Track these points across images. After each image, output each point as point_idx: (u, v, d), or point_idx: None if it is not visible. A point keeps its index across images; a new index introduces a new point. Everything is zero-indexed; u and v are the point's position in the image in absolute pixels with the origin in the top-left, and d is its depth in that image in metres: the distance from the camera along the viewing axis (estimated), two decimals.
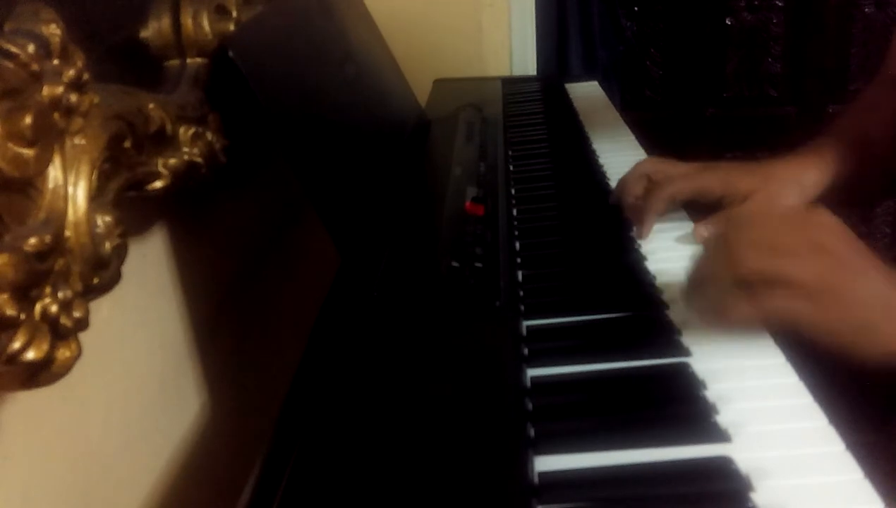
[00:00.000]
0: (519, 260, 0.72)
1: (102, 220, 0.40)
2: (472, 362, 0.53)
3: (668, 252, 0.73)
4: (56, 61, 0.38)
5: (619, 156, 1.01)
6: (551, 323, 0.61)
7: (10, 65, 0.35)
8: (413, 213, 0.77)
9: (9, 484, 0.41)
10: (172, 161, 0.51)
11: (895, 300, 0.52)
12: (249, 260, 0.75)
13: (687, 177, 0.80)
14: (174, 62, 0.58)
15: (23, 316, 0.34)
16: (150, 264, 0.57)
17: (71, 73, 0.39)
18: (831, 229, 0.55)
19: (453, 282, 0.61)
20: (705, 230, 0.75)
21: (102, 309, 0.42)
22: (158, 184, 0.49)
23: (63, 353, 0.37)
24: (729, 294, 0.54)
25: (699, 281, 0.58)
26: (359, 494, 0.42)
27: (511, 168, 0.96)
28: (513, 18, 1.45)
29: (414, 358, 0.54)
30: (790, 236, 0.55)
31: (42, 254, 0.35)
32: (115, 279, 0.42)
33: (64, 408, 0.45)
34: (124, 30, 0.55)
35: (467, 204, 0.75)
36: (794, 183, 0.80)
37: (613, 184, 0.89)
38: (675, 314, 0.60)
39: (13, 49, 0.35)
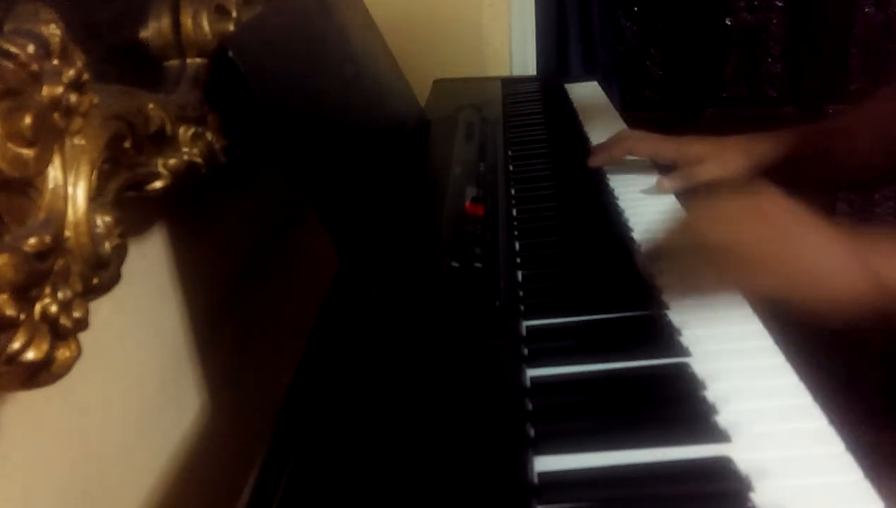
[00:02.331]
0: (519, 260, 0.72)
1: (102, 220, 0.40)
2: (471, 362, 0.53)
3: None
4: (56, 61, 0.38)
5: None
6: (551, 324, 0.61)
7: (10, 65, 0.35)
8: (413, 213, 0.77)
9: (9, 484, 0.41)
10: (172, 161, 0.51)
11: (835, 259, 0.58)
12: (249, 261, 0.75)
13: (648, 139, 0.93)
14: (174, 62, 0.58)
15: (23, 317, 0.34)
16: (150, 264, 0.57)
17: (71, 73, 0.38)
18: (774, 201, 0.60)
19: (453, 282, 0.61)
20: (667, 182, 0.87)
21: (102, 309, 0.42)
22: (158, 184, 0.49)
23: (63, 353, 0.37)
24: (699, 263, 0.62)
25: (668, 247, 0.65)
26: (358, 494, 0.42)
27: (511, 168, 0.96)
28: (513, 18, 1.45)
29: (413, 358, 0.54)
30: (737, 211, 0.61)
31: (42, 254, 0.35)
32: (115, 279, 0.42)
33: (64, 408, 0.45)
34: (124, 30, 0.55)
35: (467, 204, 0.75)
36: (743, 151, 0.87)
37: (613, 183, 0.89)
38: (675, 314, 0.60)
39: (13, 49, 0.35)
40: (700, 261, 0.62)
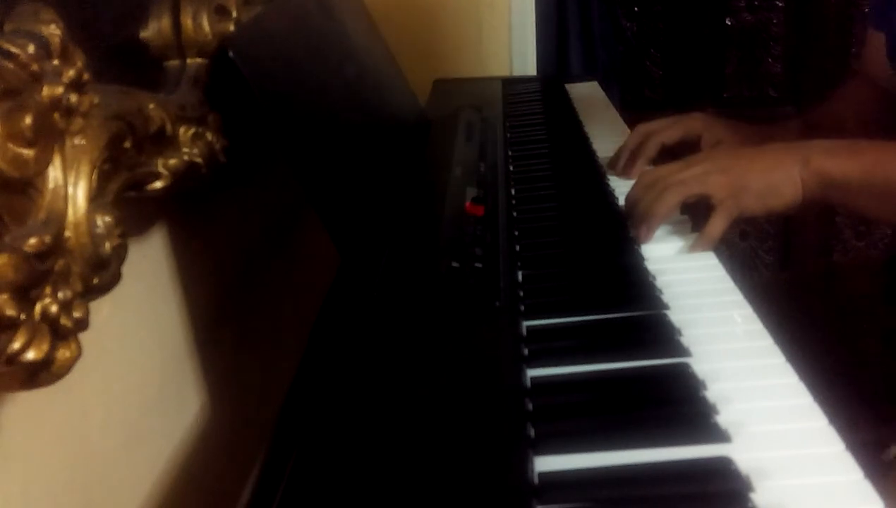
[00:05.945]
0: (519, 260, 0.72)
1: (102, 220, 0.40)
2: (471, 362, 0.53)
3: (668, 252, 0.73)
4: (56, 61, 0.38)
5: None
6: (551, 324, 0.61)
7: (10, 65, 0.35)
8: (413, 213, 0.77)
9: (9, 484, 0.41)
10: (172, 161, 0.51)
11: (785, 162, 0.72)
12: (249, 260, 0.75)
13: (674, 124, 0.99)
14: (174, 62, 0.58)
15: (23, 317, 0.34)
16: (150, 264, 0.57)
17: (71, 73, 0.38)
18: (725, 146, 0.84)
19: (453, 283, 0.61)
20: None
21: (102, 309, 0.42)
22: (158, 184, 0.49)
23: (63, 354, 0.37)
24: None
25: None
26: (358, 494, 0.42)
27: (511, 168, 0.96)
28: (513, 18, 1.45)
29: (414, 358, 0.54)
30: (698, 163, 0.75)
31: (42, 255, 0.35)
32: (115, 279, 0.42)
33: (64, 408, 0.45)
34: (124, 30, 0.55)
35: (467, 204, 0.75)
36: (757, 137, 0.94)
37: (613, 184, 0.89)
38: (675, 314, 0.60)
39: (13, 49, 0.35)
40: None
